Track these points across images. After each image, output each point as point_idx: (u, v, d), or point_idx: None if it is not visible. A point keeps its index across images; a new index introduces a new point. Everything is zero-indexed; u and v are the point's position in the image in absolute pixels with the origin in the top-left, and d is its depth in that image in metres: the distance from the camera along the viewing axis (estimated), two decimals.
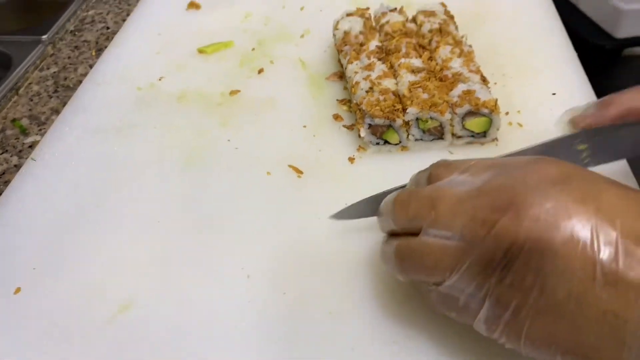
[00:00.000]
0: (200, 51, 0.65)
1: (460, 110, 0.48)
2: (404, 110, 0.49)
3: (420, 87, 0.50)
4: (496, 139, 0.51)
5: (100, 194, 0.50)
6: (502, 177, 0.32)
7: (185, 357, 0.39)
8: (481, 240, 0.30)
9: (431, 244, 0.33)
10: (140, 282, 0.43)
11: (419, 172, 0.39)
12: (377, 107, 0.49)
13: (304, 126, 0.55)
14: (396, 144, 0.51)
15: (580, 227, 0.28)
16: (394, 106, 0.49)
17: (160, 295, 0.42)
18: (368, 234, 0.44)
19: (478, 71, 0.52)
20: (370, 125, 0.50)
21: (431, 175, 0.36)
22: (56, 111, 0.63)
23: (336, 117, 0.55)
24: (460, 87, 0.49)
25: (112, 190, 0.50)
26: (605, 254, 0.28)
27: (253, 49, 0.65)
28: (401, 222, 0.36)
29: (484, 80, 0.51)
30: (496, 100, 0.48)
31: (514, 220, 0.29)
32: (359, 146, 0.52)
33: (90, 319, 0.41)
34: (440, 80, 0.51)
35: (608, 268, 0.28)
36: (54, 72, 0.69)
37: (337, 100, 0.57)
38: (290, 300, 0.41)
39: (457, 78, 0.50)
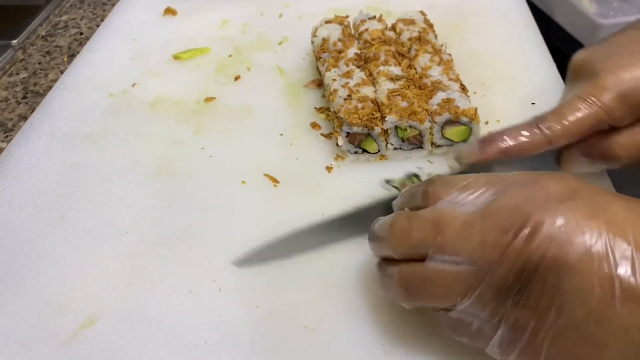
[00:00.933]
0: (176, 57, 0.63)
1: (439, 119, 0.48)
2: (383, 118, 0.48)
3: (399, 95, 0.49)
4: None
5: (66, 203, 0.48)
6: (507, 196, 0.31)
7: None
8: (493, 264, 0.29)
9: (439, 270, 0.31)
10: (106, 296, 0.41)
11: (412, 188, 0.37)
12: (355, 115, 0.48)
13: (281, 134, 0.53)
14: (375, 153, 0.49)
15: (594, 242, 0.28)
16: (373, 114, 0.48)
17: (127, 309, 0.40)
18: (344, 246, 0.43)
19: (457, 79, 0.51)
20: (348, 134, 0.49)
21: (428, 193, 0.34)
22: (24, 118, 0.61)
23: (314, 125, 0.54)
24: (440, 96, 0.49)
25: (79, 199, 0.48)
26: (622, 269, 0.27)
27: (230, 56, 0.64)
28: (402, 250, 0.33)
29: (463, 88, 0.50)
30: (476, 109, 0.48)
31: (526, 241, 0.28)
32: (337, 155, 0.51)
33: (51, 335, 0.39)
34: (420, 88, 0.50)
35: (627, 283, 0.27)
36: (24, 78, 0.67)
37: (315, 108, 0.56)
38: (263, 314, 0.39)
39: (437, 86, 0.50)
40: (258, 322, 0.39)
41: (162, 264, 0.43)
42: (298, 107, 0.56)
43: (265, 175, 0.49)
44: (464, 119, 0.47)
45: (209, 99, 0.57)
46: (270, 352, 0.37)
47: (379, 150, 0.49)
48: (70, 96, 0.59)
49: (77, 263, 0.43)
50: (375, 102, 0.49)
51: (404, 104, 0.48)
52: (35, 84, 0.66)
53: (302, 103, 0.57)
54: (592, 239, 0.28)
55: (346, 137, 0.49)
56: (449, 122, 0.48)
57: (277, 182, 0.49)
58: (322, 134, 0.53)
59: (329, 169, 0.50)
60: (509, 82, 0.58)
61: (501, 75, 0.59)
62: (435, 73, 0.51)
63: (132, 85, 0.60)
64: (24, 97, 0.64)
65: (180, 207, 0.47)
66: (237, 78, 0.60)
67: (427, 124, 0.48)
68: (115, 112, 0.57)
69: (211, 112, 0.56)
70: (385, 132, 0.48)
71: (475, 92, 0.56)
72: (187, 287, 0.41)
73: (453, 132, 0.48)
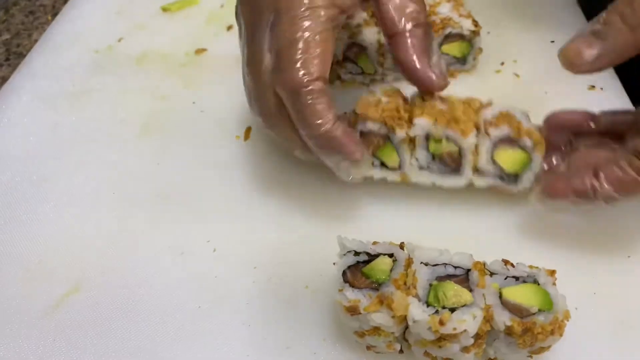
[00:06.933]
0: (164, 9, 0.59)
1: (495, 132, 0.35)
2: (411, 120, 0.35)
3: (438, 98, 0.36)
4: (534, 188, 0.35)
5: (49, 165, 0.45)
6: None
7: (140, 342, 0.34)
8: None
9: None
10: (92, 262, 0.38)
11: None
12: (376, 108, 0.35)
13: None
14: (394, 169, 0.36)
15: None
16: (398, 111, 0.35)
17: (115, 274, 0.37)
18: (345, 204, 0.40)
19: (469, 16, 0.46)
20: (362, 133, 0.36)
21: None
22: (7, 80, 0.57)
23: None
24: (496, 108, 0.36)
25: (62, 161, 0.45)
26: None
27: (222, 6, 0.59)
28: None
29: (475, 25, 0.45)
30: (541, 130, 0.36)
31: None
32: None
33: (32, 304, 0.36)
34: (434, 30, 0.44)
35: None
36: (6, 39, 0.63)
37: None
38: (261, 275, 0.36)
39: (447, 23, 0.45)
40: (255, 284, 0.36)
41: (151, 226, 0.40)
42: None
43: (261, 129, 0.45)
44: (526, 141, 0.35)
45: (199, 51, 0.53)
46: (268, 315, 0.34)
47: (400, 167, 0.36)
48: (53, 54, 0.55)
49: (60, 228, 0.40)
50: (404, 97, 0.37)
51: (443, 107, 0.35)
52: (18, 45, 0.62)
53: None
54: None
55: (360, 136, 0.36)
56: (505, 141, 0.35)
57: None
58: None
59: None
60: (526, 19, 0.53)
61: (517, 13, 0.53)
62: (445, 10, 0.46)
63: (118, 41, 0.56)
64: (7, 59, 0.61)
65: (171, 165, 0.44)
66: (229, 28, 0.56)
67: (471, 139, 0.35)
68: (100, 69, 0.53)
69: (202, 65, 0.52)
70: (412, 140, 0.35)
71: (489, 33, 0.51)
72: (179, 248, 0.38)
73: (508, 156, 0.35)
